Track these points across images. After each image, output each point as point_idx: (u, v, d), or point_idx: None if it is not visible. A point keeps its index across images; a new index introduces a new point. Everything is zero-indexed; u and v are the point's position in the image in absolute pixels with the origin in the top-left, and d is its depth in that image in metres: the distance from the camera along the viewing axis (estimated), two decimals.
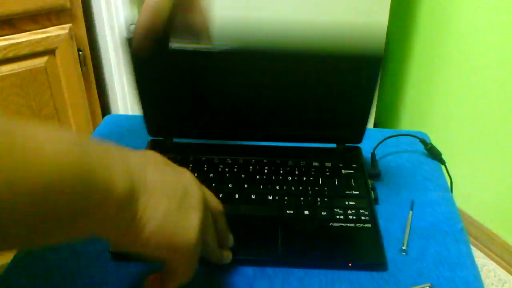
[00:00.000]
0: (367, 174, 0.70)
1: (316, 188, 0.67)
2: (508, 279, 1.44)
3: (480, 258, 1.50)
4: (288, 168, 0.70)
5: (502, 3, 1.26)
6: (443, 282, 0.57)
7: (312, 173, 0.70)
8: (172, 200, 0.43)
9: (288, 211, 0.63)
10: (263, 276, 0.57)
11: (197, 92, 0.74)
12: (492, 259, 1.49)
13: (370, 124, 1.60)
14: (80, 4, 1.14)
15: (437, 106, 1.55)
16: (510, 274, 1.45)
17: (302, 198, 0.65)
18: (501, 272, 1.46)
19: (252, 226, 0.61)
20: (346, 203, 0.65)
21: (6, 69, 1.09)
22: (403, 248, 0.61)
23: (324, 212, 0.63)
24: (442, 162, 0.77)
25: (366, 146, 0.78)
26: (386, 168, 0.75)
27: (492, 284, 1.43)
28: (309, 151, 0.74)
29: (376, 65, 0.65)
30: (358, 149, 0.75)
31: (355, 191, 0.67)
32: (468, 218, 1.53)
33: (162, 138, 0.76)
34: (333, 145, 0.75)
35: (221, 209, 0.53)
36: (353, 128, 0.75)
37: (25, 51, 1.09)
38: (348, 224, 0.62)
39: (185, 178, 0.48)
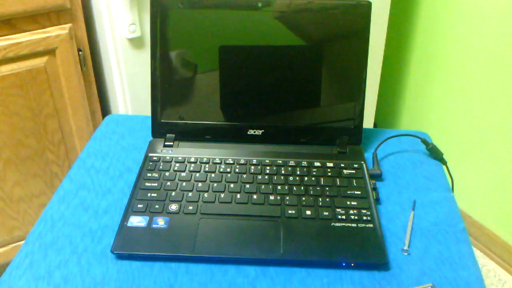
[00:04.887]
0: (369, 174, 0.70)
1: (318, 188, 0.67)
2: (508, 279, 1.44)
3: (480, 258, 1.50)
4: (289, 168, 0.70)
5: (499, 3, 1.26)
6: (444, 282, 0.57)
7: (314, 173, 0.70)
8: None
9: (289, 211, 0.63)
10: (265, 276, 0.57)
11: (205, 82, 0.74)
12: (492, 259, 1.49)
13: (370, 124, 1.60)
14: (80, 4, 1.14)
15: (437, 106, 1.55)
16: (510, 274, 1.45)
17: (303, 198, 0.65)
18: (501, 272, 1.46)
19: (253, 226, 0.61)
20: (348, 203, 0.65)
21: (6, 69, 1.09)
22: (405, 248, 0.61)
23: (326, 212, 0.63)
24: (444, 162, 0.77)
25: (367, 146, 0.78)
26: (387, 168, 0.75)
27: (492, 284, 1.43)
28: (311, 151, 0.74)
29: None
30: (360, 149, 0.75)
31: (356, 191, 0.67)
32: (468, 218, 1.53)
33: (163, 139, 0.76)
34: (335, 146, 0.75)
35: None
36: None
37: (25, 51, 1.09)
38: (349, 224, 0.62)
39: None
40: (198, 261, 0.58)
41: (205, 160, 0.72)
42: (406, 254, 0.60)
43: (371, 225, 0.62)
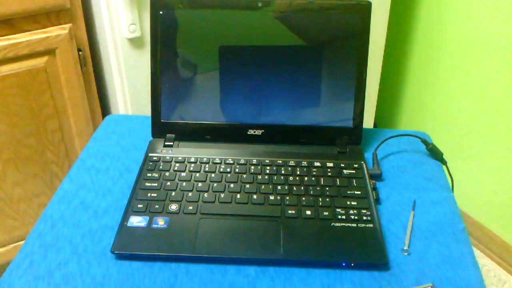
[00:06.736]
0: (369, 174, 0.70)
1: (318, 188, 0.67)
2: (508, 279, 1.44)
3: (480, 258, 1.50)
4: (289, 168, 0.70)
5: (499, 3, 1.26)
6: (444, 282, 0.57)
7: (314, 173, 0.70)
8: None
9: (289, 211, 0.63)
10: (265, 276, 0.57)
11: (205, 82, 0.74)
12: (492, 259, 1.49)
13: (370, 124, 1.60)
14: (80, 4, 1.14)
15: (437, 106, 1.55)
16: (510, 274, 1.45)
17: (303, 198, 0.65)
18: (501, 272, 1.46)
19: (253, 226, 0.61)
20: (348, 203, 0.65)
21: (6, 69, 1.09)
22: (405, 248, 0.61)
23: (326, 212, 0.63)
24: (443, 162, 0.77)
25: (367, 146, 0.78)
26: (387, 168, 0.75)
27: (492, 284, 1.43)
28: (311, 151, 0.74)
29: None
30: (360, 149, 0.75)
31: (356, 191, 0.67)
32: (468, 218, 1.53)
33: (163, 139, 0.76)
34: (335, 146, 0.75)
35: None
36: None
37: (25, 51, 1.09)
38: (349, 224, 0.62)
39: None
40: (198, 261, 0.58)
41: (205, 160, 0.72)
42: (406, 254, 0.60)
43: (371, 225, 0.62)
